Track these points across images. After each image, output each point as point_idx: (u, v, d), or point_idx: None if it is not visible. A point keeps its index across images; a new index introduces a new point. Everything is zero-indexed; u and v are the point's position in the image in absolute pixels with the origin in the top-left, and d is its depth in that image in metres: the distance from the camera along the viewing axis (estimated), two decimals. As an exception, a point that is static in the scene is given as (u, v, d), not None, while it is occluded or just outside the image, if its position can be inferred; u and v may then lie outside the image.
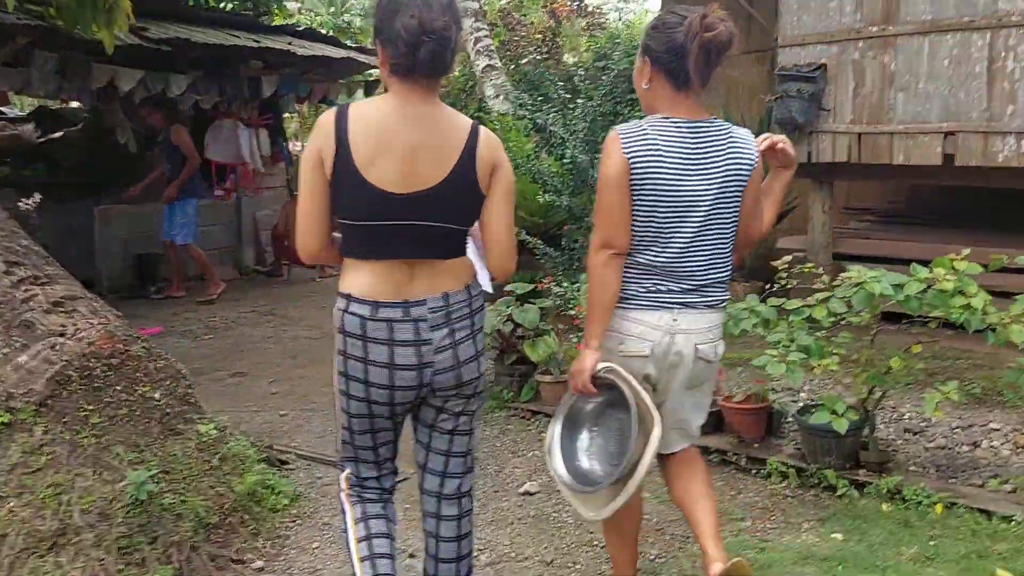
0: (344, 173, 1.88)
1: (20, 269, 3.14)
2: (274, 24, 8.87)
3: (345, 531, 2.15)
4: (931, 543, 2.80)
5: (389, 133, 1.89)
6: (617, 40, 8.47)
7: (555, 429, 2.29)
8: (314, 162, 1.91)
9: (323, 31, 11.99)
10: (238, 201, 9.10)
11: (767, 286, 6.44)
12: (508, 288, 4.77)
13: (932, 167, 4.51)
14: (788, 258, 3.51)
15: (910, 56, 4.43)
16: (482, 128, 2.00)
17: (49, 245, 3.95)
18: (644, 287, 2.13)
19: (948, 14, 4.35)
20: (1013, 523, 2.86)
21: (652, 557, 2.87)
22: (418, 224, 1.92)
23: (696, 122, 2.12)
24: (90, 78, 6.66)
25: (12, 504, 2.61)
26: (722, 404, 3.69)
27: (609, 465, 2.21)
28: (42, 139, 9.17)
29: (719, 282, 2.18)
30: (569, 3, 13.97)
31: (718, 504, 2.95)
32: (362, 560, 2.07)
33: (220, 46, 7.33)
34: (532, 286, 4.71)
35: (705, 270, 2.14)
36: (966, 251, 3.00)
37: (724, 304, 2.21)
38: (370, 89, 9.32)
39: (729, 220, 2.15)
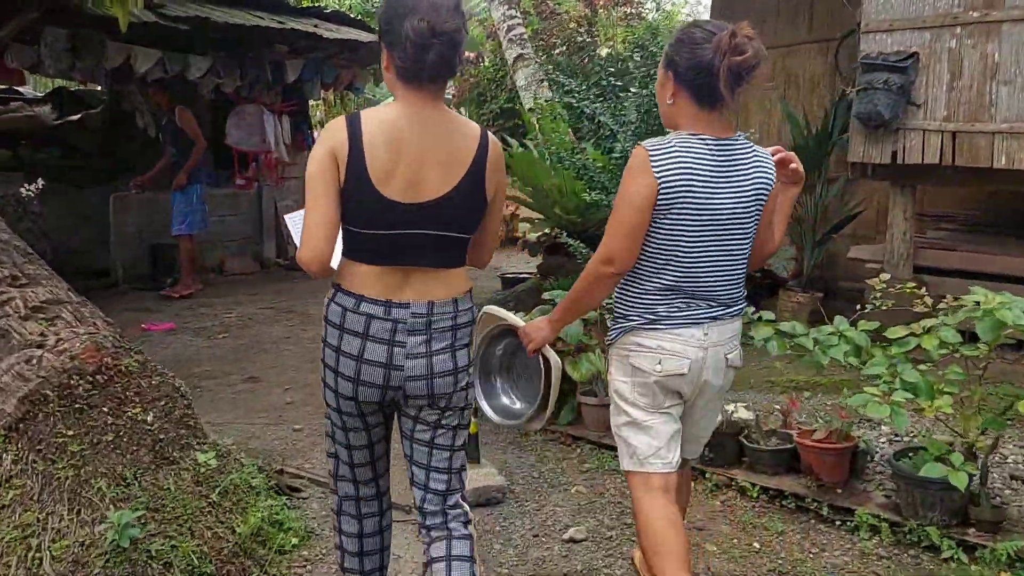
0: (355, 181, 1.84)
1: (-4, 267, 2.73)
2: (300, 5, 8.44)
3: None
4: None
5: (400, 142, 1.85)
6: (655, 31, 7.99)
7: (474, 371, 2.39)
8: (327, 163, 1.84)
9: (351, 15, 11.54)
10: (259, 191, 8.71)
11: (824, 296, 5.95)
12: (547, 295, 4.32)
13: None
14: (886, 276, 2.99)
15: (1016, 45, 3.88)
16: (490, 136, 1.97)
17: (52, 232, 3.53)
18: (673, 307, 2.11)
19: (1062, -2, 3.81)
20: None
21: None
22: (424, 233, 1.90)
23: (723, 140, 2.06)
24: (104, 57, 6.27)
25: (-31, 550, 2.20)
26: (798, 441, 3.20)
27: (525, 394, 2.64)
28: (59, 121, 8.85)
29: (741, 296, 2.21)
30: (607, -9, 13.43)
31: (801, 562, 2.77)
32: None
33: (242, 26, 6.92)
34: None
35: (727, 288, 2.14)
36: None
37: (743, 311, 2.25)
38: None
39: (748, 238, 2.14)
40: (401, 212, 1.85)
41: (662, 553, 2.08)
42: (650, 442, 2.16)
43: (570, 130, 5.40)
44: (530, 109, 7.60)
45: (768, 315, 2.96)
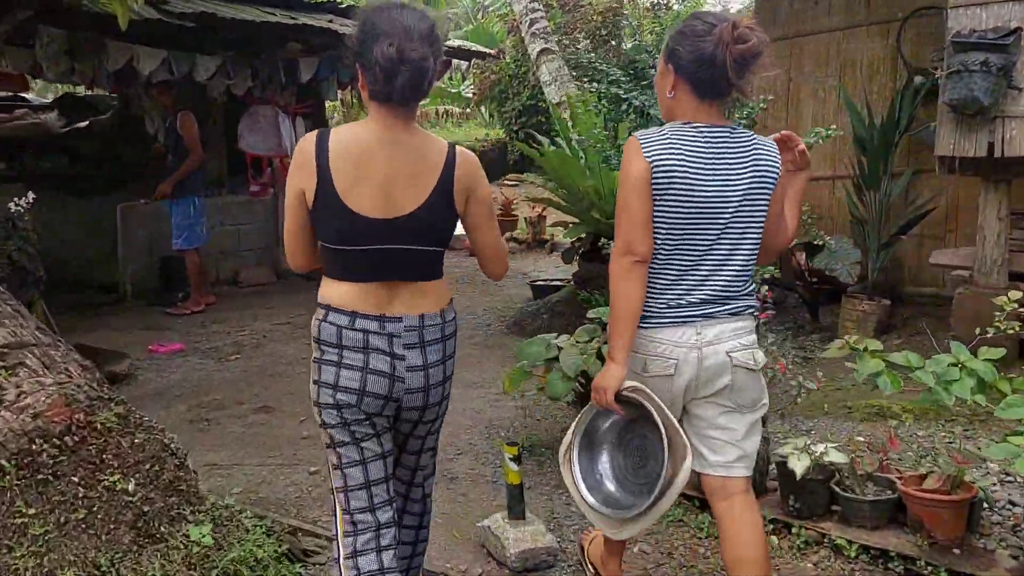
0: (325, 199, 1.91)
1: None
2: (314, 1, 7.99)
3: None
4: None
5: (368, 159, 1.92)
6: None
7: (574, 441, 2.24)
8: (296, 192, 1.94)
9: (368, 11, 11.10)
10: (275, 198, 8.27)
11: (893, 304, 5.41)
12: (592, 314, 3.84)
13: None
14: (1018, 295, 2.46)
15: None
16: (459, 150, 2.01)
17: (54, 247, 3.10)
18: (664, 301, 2.08)
19: None
20: None
21: None
22: (396, 248, 1.95)
23: (718, 128, 2.06)
24: (105, 58, 5.86)
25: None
26: (904, 491, 2.69)
27: (636, 485, 2.19)
28: (66, 128, 8.49)
29: (743, 293, 2.12)
30: (633, -17, 12.92)
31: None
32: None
33: (252, 23, 6.48)
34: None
35: (727, 279, 2.09)
36: None
37: (750, 311, 2.14)
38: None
39: (752, 229, 2.09)
40: (374, 227, 1.91)
41: None
42: None
43: (604, 117, 4.90)
44: (557, 104, 7.12)
45: (875, 344, 2.46)
